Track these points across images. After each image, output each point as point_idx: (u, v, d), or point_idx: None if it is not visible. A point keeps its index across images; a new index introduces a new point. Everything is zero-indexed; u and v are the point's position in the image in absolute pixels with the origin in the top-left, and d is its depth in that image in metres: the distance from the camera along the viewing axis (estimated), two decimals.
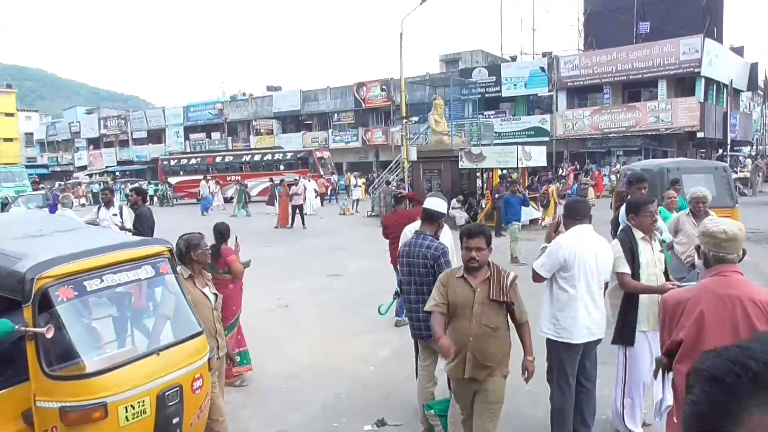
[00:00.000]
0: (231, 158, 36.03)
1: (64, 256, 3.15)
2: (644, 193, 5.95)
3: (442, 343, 3.50)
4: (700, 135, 29.43)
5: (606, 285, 4.20)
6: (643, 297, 4.08)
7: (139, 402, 3.08)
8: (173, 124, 50.16)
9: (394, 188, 21.22)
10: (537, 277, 4.03)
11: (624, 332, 4.12)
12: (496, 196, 15.52)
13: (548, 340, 4.05)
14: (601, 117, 31.08)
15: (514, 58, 37.72)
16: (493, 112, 34.62)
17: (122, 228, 8.24)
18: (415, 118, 28.01)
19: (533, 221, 16.76)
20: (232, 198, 27.70)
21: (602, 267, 3.98)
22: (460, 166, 18.08)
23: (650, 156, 28.61)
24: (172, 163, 37.36)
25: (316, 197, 24.82)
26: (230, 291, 5.40)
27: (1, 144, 60.33)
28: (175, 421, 3.28)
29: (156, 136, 51.50)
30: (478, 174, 19.94)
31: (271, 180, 25.83)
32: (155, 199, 34.69)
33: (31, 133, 65.23)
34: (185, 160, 37.21)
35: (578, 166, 29.97)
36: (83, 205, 31.73)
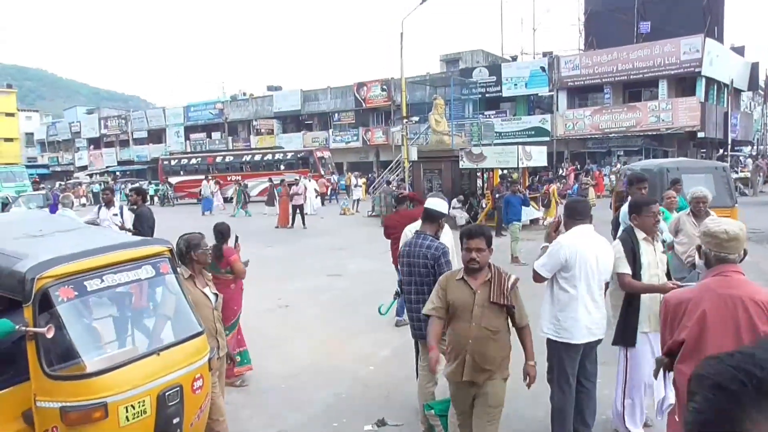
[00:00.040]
0: (231, 158, 36.01)
1: (64, 256, 3.15)
2: (644, 193, 5.94)
3: (431, 356, 3.49)
4: (700, 135, 29.43)
5: (607, 285, 4.20)
6: (644, 298, 4.07)
7: (139, 402, 3.08)
8: (174, 124, 50.17)
9: (394, 188, 21.23)
10: (538, 278, 4.03)
11: (625, 333, 4.11)
12: (497, 196, 15.52)
13: (548, 340, 4.05)
14: (601, 117, 31.07)
15: (514, 58, 37.72)
16: (494, 112, 34.62)
17: (122, 228, 8.24)
18: (416, 118, 28.02)
19: (534, 221, 16.77)
20: (231, 198, 27.71)
21: (603, 267, 3.97)
22: (460, 166, 18.08)
23: (651, 156, 28.62)
24: (173, 163, 37.36)
25: (316, 197, 24.83)
26: (232, 291, 5.41)
27: (2, 144, 60.33)
28: (175, 421, 3.28)
29: (156, 136, 51.52)
30: (478, 174, 19.94)
31: (270, 180, 25.82)
32: (155, 199, 34.73)
33: (32, 133, 65.24)
34: (186, 160, 37.20)
35: (579, 166, 29.96)
36: (84, 205, 31.74)
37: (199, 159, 36.77)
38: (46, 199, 20.86)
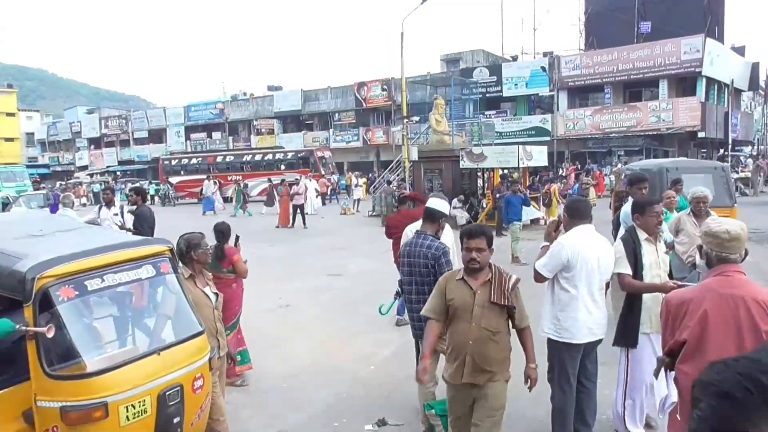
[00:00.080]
0: (232, 158, 36.02)
1: (64, 256, 3.15)
2: (644, 193, 5.93)
3: (418, 367, 3.47)
4: (701, 135, 29.42)
5: (607, 285, 4.19)
6: (646, 298, 4.06)
7: (139, 402, 3.08)
8: (174, 123, 50.19)
9: (395, 188, 21.23)
10: (539, 278, 4.01)
11: (626, 334, 4.10)
12: (497, 195, 15.52)
13: (549, 340, 4.04)
14: (602, 117, 31.06)
15: (515, 58, 37.70)
16: (494, 111, 34.61)
17: (122, 228, 8.24)
18: (416, 118, 28.02)
19: (534, 221, 16.77)
20: (230, 198, 27.69)
21: (604, 267, 3.97)
22: (461, 166, 18.08)
23: (651, 156, 28.61)
24: (173, 162, 37.36)
25: (317, 197, 24.83)
26: (233, 290, 5.43)
27: (3, 144, 60.37)
28: (175, 420, 3.28)
29: (157, 135, 51.53)
30: (479, 174, 19.93)
31: (270, 180, 25.82)
32: (156, 198, 34.73)
33: (32, 133, 65.27)
34: (186, 160, 37.20)
35: (579, 166, 29.94)
36: (84, 204, 31.75)
37: (200, 159, 36.78)
38: (46, 198, 20.84)
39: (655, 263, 4.08)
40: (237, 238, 5.70)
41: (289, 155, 34.25)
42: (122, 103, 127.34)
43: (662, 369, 2.91)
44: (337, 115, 42.03)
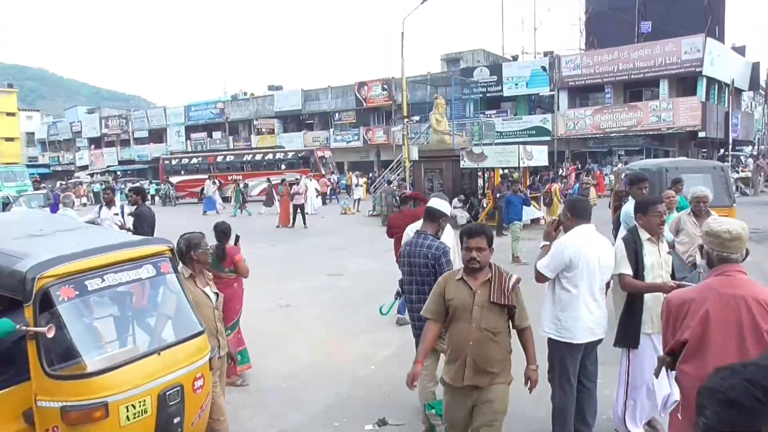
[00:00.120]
0: (232, 158, 36.04)
1: (65, 256, 3.15)
2: (645, 193, 5.93)
3: (410, 372, 3.46)
4: (701, 135, 29.41)
5: (608, 285, 4.18)
6: (647, 298, 4.05)
7: (140, 401, 3.08)
8: (174, 123, 50.19)
9: (395, 188, 21.23)
10: (540, 278, 3.99)
11: (628, 334, 4.09)
12: (498, 195, 15.52)
13: (550, 340, 4.03)
14: (602, 116, 31.05)
15: (515, 58, 37.69)
16: (495, 111, 34.60)
17: (122, 227, 8.24)
18: (417, 118, 28.03)
19: (534, 221, 16.77)
20: (229, 198, 27.68)
21: (604, 267, 3.96)
22: (461, 166, 18.08)
23: (652, 156, 28.61)
24: (174, 162, 37.37)
25: (317, 197, 24.83)
26: (234, 290, 5.45)
27: (3, 143, 60.40)
28: (176, 420, 3.28)
29: (157, 135, 51.54)
30: (479, 173, 19.93)
31: (269, 180, 25.83)
32: (157, 198, 34.75)
33: (33, 133, 65.29)
34: (186, 160, 37.22)
35: (580, 166, 29.94)
36: (84, 204, 31.72)
37: (200, 158, 36.79)
38: (46, 198, 20.84)
39: (657, 264, 4.06)
40: (237, 237, 5.70)
41: (290, 155, 34.24)
42: (122, 103, 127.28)
43: (664, 368, 2.90)
44: (337, 114, 42.03)
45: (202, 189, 29.47)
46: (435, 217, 4.46)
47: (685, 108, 28.66)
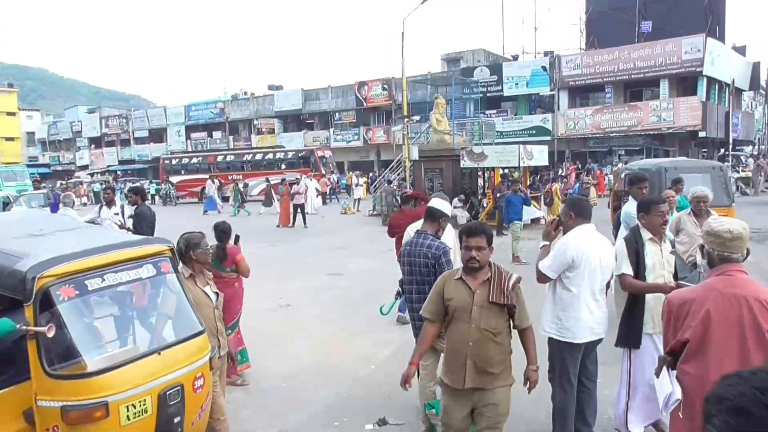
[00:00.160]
0: (232, 157, 36.03)
1: (65, 256, 3.15)
2: (645, 193, 5.93)
3: (404, 373, 3.44)
4: (702, 134, 29.41)
5: (608, 285, 4.18)
6: (648, 298, 4.04)
7: (140, 401, 3.08)
8: (175, 123, 50.19)
9: (395, 187, 21.22)
10: (543, 278, 3.98)
11: (629, 334, 4.07)
12: (498, 195, 15.53)
13: (550, 340, 4.02)
14: (602, 116, 31.05)
15: (515, 57, 37.69)
16: (495, 111, 34.60)
17: (122, 227, 8.23)
18: (417, 117, 28.04)
19: (535, 220, 16.77)
20: (228, 197, 27.68)
21: (605, 267, 3.96)
22: (461, 166, 18.07)
23: (652, 155, 28.61)
24: (174, 162, 37.35)
25: (317, 196, 24.84)
26: (235, 290, 5.46)
27: (3, 143, 60.45)
28: (176, 420, 3.27)
29: (157, 135, 51.54)
30: (479, 173, 19.92)
31: (267, 180, 25.82)
32: (157, 198, 34.74)
33: (33, 133, 65.32)
34: (187, 160, 37.21)
35: (580, 166, 29.95)
36: (85, 204, 31.73)
37: (200, 158, 36.77)
38: (47, 198, 20.83)
39: (659, 264, 4.04)
40: (237, 237, 5.70)
41: (290, 155, 34.23)
42: (123, 103, 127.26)
43: (665, 367, 2.90)
44: (337, 114, 42.03)
45: (203, 189, 29.45)
46: (435, 217, 4.46)
47: (685, 108, 28.66)
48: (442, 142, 19.60)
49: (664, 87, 29.97)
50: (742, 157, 35.05)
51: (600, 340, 4.07)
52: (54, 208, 14.30)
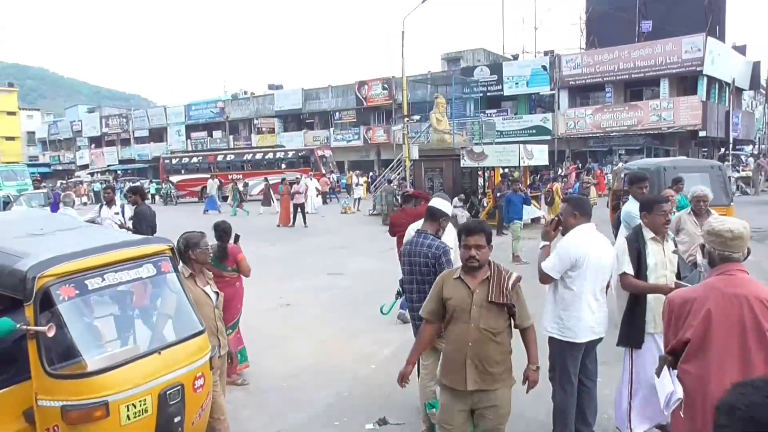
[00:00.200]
0: (233, 157, 36.03)
1: (65, 255, 3.15)
2: (645, 193, 5.93)
3: (401, 371, 3.45)
4: (702, 134, 29.41)
5: (608, 285, 4.18)
6: (649, 298, 4.03)
7: (140, 401, 3.08)
8: (175, 122, 50.21)
9: (395, 187, 21.22)
10: (546, 279, 3.96)
11: (631, 334, 4.07)
12: (498, 194, 15.52)
13: (551, 339, 4.01)
14: (603, 116, 31.05)
15: (516, 57, 37.68)
16: (495, 110, 34.61)
17: (122, 227, 8.22)
18: (417, 117, 28.06)
19: (535, 220, 16.77)
20: (227, 197, 27.69)
21: (605, 266, 3.96)
22: (461, 165, 18.07)
23: (652, 155, 28.61)
24: (174, 161, 37.34)
25: (317, 196, 24.84)
26: (236, 289, 5.47)
27: (3, 143, 60.46)
28: (176, 420, 3.27)
29: (158, 134, 51.55)
30: (479, 173, 19.92)
31: (266, 180, 25.81)
32: (158, 197, 34.74)
33: (33, 132, 65.34)
34: (187, 159, 37.20)
35: (580, 165, 29.94)
36: (85, 203, 31.74)
37: (201, 158, 36.77)
38: (47, 197, 20.84)
39: (661, 263, 4.03)
40: (237, 237, 5.70)
41: (290, 154, 34.23)
42: (123, 102, 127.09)
43: (666, 366, 2.90)
44: (337, 113, 42.03)
45: (204, 188, 29.44)
46: (436, 217, 4.46)
47: (685, 107, 28.66)
48: (443, 141, 19.59)
49: (664, 86, 29.97)
50: (742, 157, 35.03)
51: (600, 340, 4.07)
52: (54, 208, 14.30)
